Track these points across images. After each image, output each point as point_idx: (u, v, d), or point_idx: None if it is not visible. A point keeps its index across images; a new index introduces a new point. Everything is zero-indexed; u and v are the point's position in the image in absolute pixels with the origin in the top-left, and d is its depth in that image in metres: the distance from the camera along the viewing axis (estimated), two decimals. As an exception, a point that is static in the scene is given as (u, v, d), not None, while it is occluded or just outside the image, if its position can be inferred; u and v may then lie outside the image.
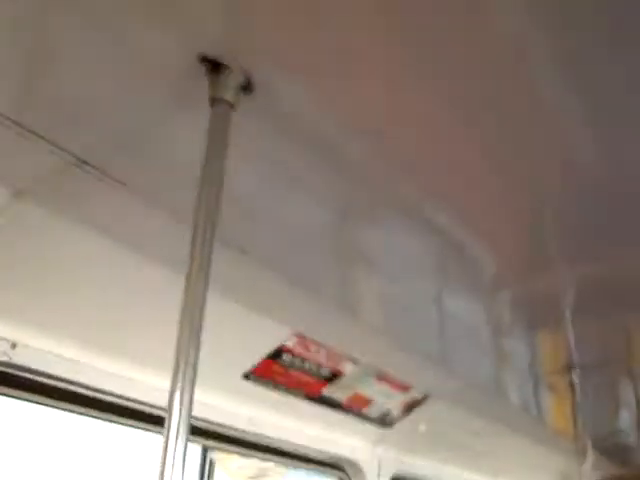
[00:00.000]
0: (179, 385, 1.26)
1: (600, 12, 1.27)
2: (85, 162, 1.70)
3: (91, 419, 2.60)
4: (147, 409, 2.63)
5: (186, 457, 1.23)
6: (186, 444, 1.23)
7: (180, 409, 1.25)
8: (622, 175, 1.82)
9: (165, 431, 1.23)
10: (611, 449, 5.22)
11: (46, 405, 2.42)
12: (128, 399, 2.58)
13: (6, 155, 1.71)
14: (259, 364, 2.79)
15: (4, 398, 2.31)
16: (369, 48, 1.39)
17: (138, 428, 2.74)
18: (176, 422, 1.23)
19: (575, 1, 1.23)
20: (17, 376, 2.25)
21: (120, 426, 2.69)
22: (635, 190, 1.91)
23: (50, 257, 2.04)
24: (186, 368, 1.28)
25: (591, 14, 1.27)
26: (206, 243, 1.35)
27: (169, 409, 1.25)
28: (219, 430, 2.94)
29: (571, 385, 3.32)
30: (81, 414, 2.52)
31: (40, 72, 1.48)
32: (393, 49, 1.38)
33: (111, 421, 2.64)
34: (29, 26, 1.34)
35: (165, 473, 1.20)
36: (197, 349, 1.30)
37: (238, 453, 3.18)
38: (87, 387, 2.41)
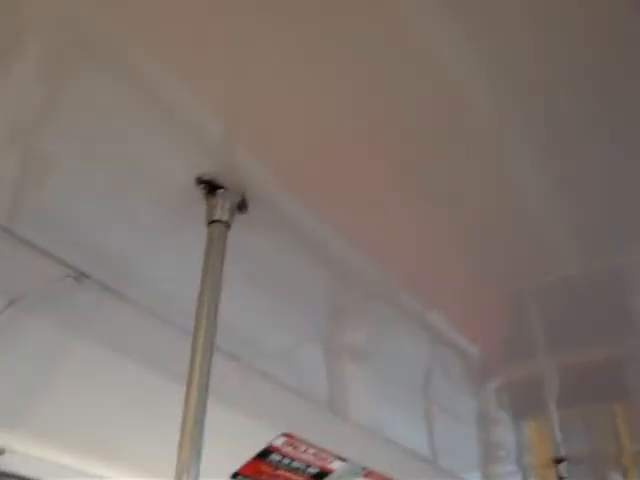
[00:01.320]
0: None
1: (584, 109, 1.32)
2: (83, 275, 1.75)
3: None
4: None
5: None
6: None
7: None
8: (603, 269, 1.87)
9: None
10: None
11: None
12: None
13: (2, 265, 1.75)
14: (247, 463, 2.78)
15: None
16: (360, 175, 1.47)
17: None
18: None
19: (557, 100, 1.30)
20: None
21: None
22: (615, 285, 1.97)
23: (46, 365, 2.06)
24: (188, 478, 1.30)
25: (575, 110, 1.33)
26: (206, 353, 1.39)
27: None
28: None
29: (560, 479, 3.31)
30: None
31: (37, 184, 1.53)
32: (379, 166, 1.46)
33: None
34: (26, 137, 1.40)
35: None
36: (198, 458, 1.32)
37: None
38: None
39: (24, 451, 2.20)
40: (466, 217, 1.61)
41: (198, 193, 1.46)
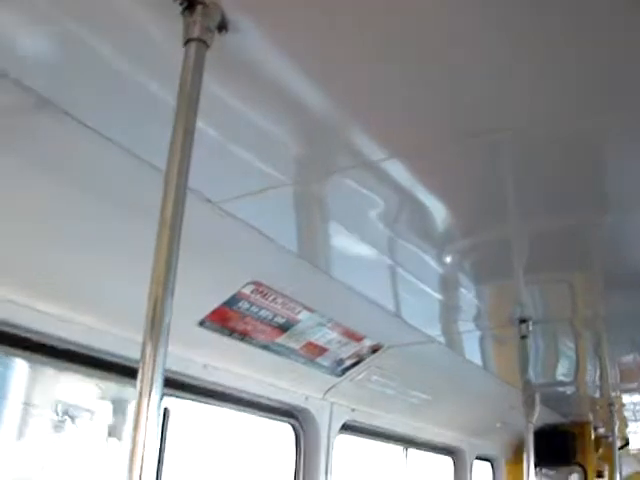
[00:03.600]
0: (152, 336, 1.24)
1: None
2: (48, 101, 1.64)
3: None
4: (119, 361, 2.63)
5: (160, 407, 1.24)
6: (161, 396, 1.22)
7: (154, 360, 1.23)
8: (576, 133, 1.83)
9: (139, 383, 1.22)
10: (552, 400, 5.37)
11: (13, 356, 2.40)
12: (98, 351, 2.59)
13: None
14: (214, 310, 2.78)
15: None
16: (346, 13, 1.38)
17: (109, 380, 2.75)
18: (149, 375, 1.22)
19: None
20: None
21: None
22: (587, 153, 1.95)
23: (9, 205, 1.98)
24: (161, 318, 1.25)
25: None
26: (179, 189, 1.32)
27: (142, 360, 1.23)
28: (173, 377, 2.94)
29: (522, 337, 3.39)
30: (47, 364, 2.50)
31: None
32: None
33: (82, 373, 2.64)
34: None
35: (140, 423, 1.19)
36: (170, 303, 1.28)
37: (193, 400, 3.19)
38: (51, 337, 2.39)
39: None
40: (435, 61, 1.54)
41: (175, 9, 1.35)
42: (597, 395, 5.67)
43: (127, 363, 2.58)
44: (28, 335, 2.35)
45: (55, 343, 2.44)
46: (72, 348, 2.50)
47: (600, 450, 6.86)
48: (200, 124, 1.43)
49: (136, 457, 1.18)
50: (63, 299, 2.34)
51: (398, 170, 2.02)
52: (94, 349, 2.57)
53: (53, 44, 1.51)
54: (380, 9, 1.38)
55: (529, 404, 3.44)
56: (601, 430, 6.88)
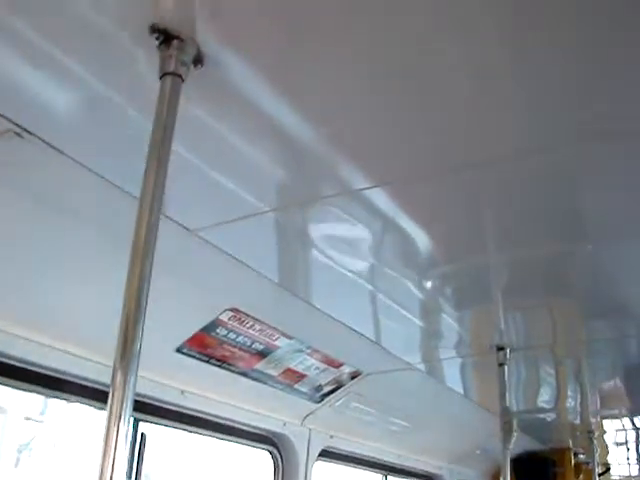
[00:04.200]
0: (123, 362, 1.25)
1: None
2: (26, 131, 1.65)
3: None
4: (88, 384, 2.62)
5: (129, 432, 1.23)
6: (129, 420, 1.23)
7: (124, 385, 1.23)
8: (559, 163, 1.86)
9: (109, 407, 1.22)
10: (532, 427, 5.38)
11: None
12: (76, 376, 2.58)
13: None
14: (193, 337, 2.78)
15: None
16: (313, 38, 1.39)
17: (77, 403, 2.74)
18: (120, 399, 1.22)
19: None
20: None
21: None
22: (568, 184, 1.98)
23: None
24: (132, 344, 1.26)
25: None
26: (153, 217, 1.33)
27: (112, 385, 1.24)
28: (151, 403, 2.93)
29: (500, 364, 3.41)
30: (15, 387, 2.49)
31: None
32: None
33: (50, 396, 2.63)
34: None
35: (109, 448, 1.19)
36: (140, 330, 1.29)
37: (170, 426, 3.17)
38: (20, 360, 2.38)
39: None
40: (419, 89, 1.56)
41: (151, 43, 1.37)
42: (577, 421, 5.67)
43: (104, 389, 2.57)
44: (5, 361, 2.36)
45: (36, 369, 2.45)
46: (51, 374, 2.50)
47: (581, 477, 6.85)
48: (180, 151, 1.44)
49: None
50: (40, 325, 2.33)
51: (381, 199, 2.02)
52: (72, 375, 2.56)
53: (29, 71, 1.52)
54: (364, 39, 1.40)
55: (506, 430, 3.45)
56: (582, 456, 6.88)
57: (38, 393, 2.61)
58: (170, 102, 1.37)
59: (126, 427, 1.22)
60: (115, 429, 1.20)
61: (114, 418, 1.21)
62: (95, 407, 2.74)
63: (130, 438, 1.25)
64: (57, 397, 2.67)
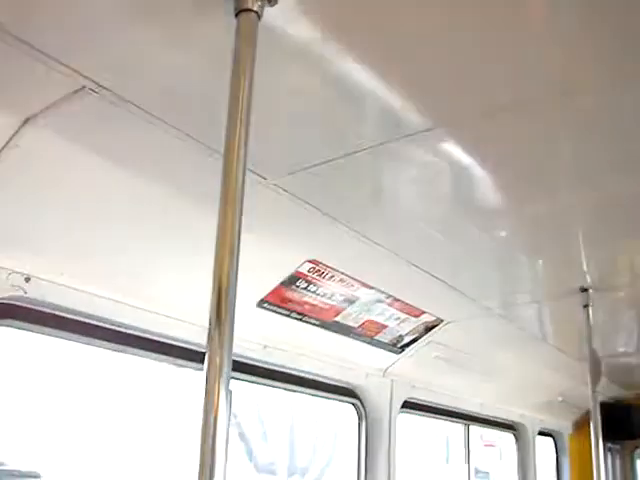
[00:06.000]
0: (219, 320, 1.24)
1: None
2: (101, 86, 1.64)
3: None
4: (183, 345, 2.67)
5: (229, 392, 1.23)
6: (228, 379, 1.22)
7: (222, 345, 1.22)
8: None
9: (206, 367, 1.21)
10: (617, 372, 5.27)
11: (62, 338, 2.42)
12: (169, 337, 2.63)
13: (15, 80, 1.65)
14: (273, 291, 2.78)
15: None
16: None
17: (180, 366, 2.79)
18: (217, 359, 1.21)
19: None
20: (34, 310, 2.24)
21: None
22: None
23: (67, 189, 1.99)
24: (227, 303, 1.25)
25: None
26: (239, 172, 1.30)
27: (209, 345, 1.23)
28: (235, 359, 2.94)
29: (584, 306, 3.34)
30: (102, 347, 2.53)
31: None
32: None
33: (143, 356, 2.68)
34: None
35: (210, 407, 1.19)
36: (235, 279, 1.27)
37: (254, 382, 3.19)
38: (106, 321, 2.42)
39: (49, 278, 2.17)
40: (485, 27, 1.49)
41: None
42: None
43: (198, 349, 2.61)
44: (106, 325, 2.41)
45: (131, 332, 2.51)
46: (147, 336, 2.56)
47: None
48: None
49: (208, 440, 1.18)
50: (138, 290, 2.38)
51: (448, 141, 1.98)
52: (166, 336, 2.60)
53: (109, 33, 1.50)
54: None
55: (594, 374, 3.38)
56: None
57: (135, 355, 2.66)
58: (248, 41, 1.33)
59: (226, 386, 1.21)
60: (215, 388, 1.20)
61: (213, 376, 1.20)
62: (192, 368, 2.78)
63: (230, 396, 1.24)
64: (155, 359, 2.72)
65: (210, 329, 1.24)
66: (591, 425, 3.41)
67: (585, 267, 3.17)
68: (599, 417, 3.40)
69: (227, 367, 1.22)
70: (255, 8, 1.34)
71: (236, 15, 1.35)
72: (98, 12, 1.43)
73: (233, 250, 1.27)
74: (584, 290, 3.34)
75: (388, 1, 1.42)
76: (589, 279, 3.28)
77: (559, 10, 1.44)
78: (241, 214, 1.30)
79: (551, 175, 2.23)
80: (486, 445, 8.08)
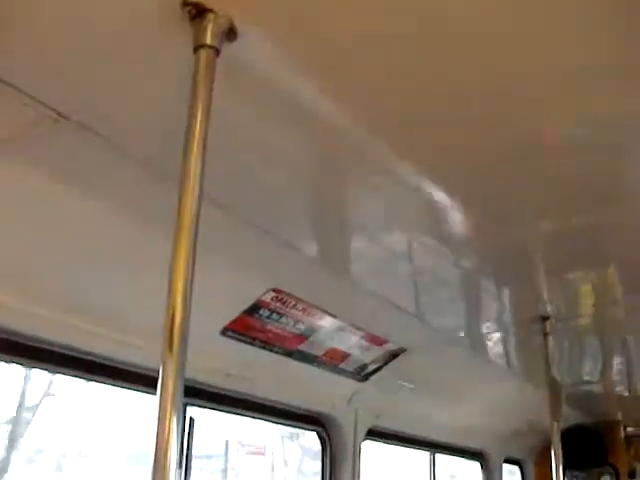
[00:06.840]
0: (172, 347, 1.24)
1: None
2: (62, 116, 1.66)
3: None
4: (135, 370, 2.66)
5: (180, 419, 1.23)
6: (181, 405, 1.22)
7: (175, 370, 1.23)
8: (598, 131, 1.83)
9: (159, 393, 1.22)
10: (579, 399, 5.32)
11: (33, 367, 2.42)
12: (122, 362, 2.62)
13: None
14: (236, 319, 2.79)
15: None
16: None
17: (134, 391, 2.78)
18: (171, 385, 1.22)
19: None
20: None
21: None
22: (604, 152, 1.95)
23: (31, 215, 2.00)
24: (180, 331, 1.25)
25: None
26: (194, 200, 1.32)
27: (162, 371, 1.23)
28: (197, 387, 2.94)
29: (545, 334, 3.38)
30: (68, 375, 2.53)
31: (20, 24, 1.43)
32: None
33: (100, 382, 2.67)
34: None
35: (160, 434, 1.19)
36: (189, 306, 1.28)
37: (217, 409, 3.19)
38: (71, 349, 2.41)
39: (8, 304, 2.17)
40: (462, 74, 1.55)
41: (184, 16, 1.36)
42: (626, 393, 5.59)
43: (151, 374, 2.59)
44: (55, 349, 2.39)
45: (81, 356, 2.48)
46: (97, 360, 2.53)
47: (631, 450, 6.75)
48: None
49: (159, 467, 1.18)
50: (87, 312, 2.36)
51: (416, 176, 2.02)
52: (118, 361, 2.59)
53: (65, 57, 1.53)
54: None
55: (554, 403, 3.41)
56: (632, 429, 6.77)
57: (86, 380, 2.65)
58: (206, 76, 1.36)
59: (178, 413, 1.21)
60: (167, 414, 1.20)
61: (166, 403, 1.21)
62: (143, 392, 2.77)
63: (181, 423, 1.24)
64: (104, 383, 2.71)
65: (163, 356, 1.24)
66: (552, 453, 3.44)
67: (545, 296, 3.22)
68: (559, 445, 3.43)
69: (179, 395, 1.22)
70: (214, 44, 1.38)
71: (195, 51, 1.38)
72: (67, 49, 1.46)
73: (187, 278, 1.28)
74: (545, 319, 3.39)
75: (352, 39, 1.46)
76: (549, 308, 3.33)
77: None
78: (195, 243, 1.30)
79: (513, 207, 2.28)
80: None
